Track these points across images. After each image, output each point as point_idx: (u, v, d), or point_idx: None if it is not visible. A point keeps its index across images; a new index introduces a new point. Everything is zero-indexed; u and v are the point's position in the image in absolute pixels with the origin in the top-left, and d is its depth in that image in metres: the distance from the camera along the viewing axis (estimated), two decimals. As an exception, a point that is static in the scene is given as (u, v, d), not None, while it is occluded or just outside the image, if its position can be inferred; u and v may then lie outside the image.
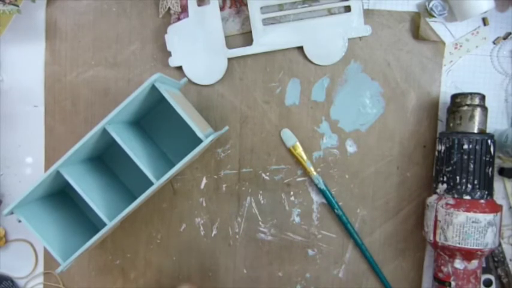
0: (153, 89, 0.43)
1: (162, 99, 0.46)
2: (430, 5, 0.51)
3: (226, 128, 0.52)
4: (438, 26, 0.53)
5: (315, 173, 0.53)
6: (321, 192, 0.53)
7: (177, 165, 0.43)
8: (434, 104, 0.54)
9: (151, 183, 0.43)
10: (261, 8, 0.51)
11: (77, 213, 0.52)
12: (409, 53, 0.53)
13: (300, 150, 0.53)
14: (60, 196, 0.51)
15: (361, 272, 0.55)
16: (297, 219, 0.55)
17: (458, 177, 0.48)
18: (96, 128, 0.42)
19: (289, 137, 0.53)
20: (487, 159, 0.47)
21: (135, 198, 0.44)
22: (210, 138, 0.43)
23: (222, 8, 0.52)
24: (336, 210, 0.53)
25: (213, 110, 0.54)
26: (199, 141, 0.43)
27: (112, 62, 0.54)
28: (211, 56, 0.52)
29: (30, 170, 0.55)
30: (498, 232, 0.47)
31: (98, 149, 0.50)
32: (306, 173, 0.53)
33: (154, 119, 0.53)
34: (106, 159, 0.53)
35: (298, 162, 0.53)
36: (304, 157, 0.53)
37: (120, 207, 0.44)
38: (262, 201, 0.54)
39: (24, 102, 0.54)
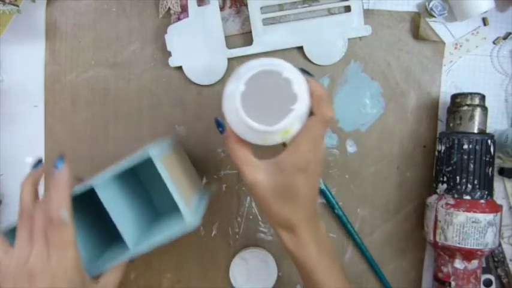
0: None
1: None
2: (430, 5, 0.51)
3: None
4: (438, 26, 0.53)
5: None
6: (321, 192, 0.53)
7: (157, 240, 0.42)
8: (434, 104, 0.54)
9: (177, 210, 0.42)
10: (261, 8, 0.51)
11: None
12: (409, 53, 0.53)
13: None
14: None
15: (361, 272, 0.55)
16: (297, 219, 0.55)
17: (458, 177, 0.48)
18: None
19: None
20: (487, 159, 0.47)
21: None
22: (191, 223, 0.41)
23: (222, 8, 0.52)
24: (336, 210, 0.53)
25: (213, 110, 0.54)
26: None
27: (112, 62, 0.54)
28: (211, 56, 0.52)
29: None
30: (498, 232, 0.47)
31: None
32: None
33: (147, 165, 0.48)
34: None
35: None
36: None
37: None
38: (262, 201, 0.54)
39: (24, 102, 0.54)
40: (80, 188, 0.41)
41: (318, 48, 0.52)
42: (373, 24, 0.52)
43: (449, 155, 0.48)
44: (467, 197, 0.47)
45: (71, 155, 0.54)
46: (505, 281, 0.54)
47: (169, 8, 0.51)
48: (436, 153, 0.51)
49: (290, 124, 0.35)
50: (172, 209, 0.45)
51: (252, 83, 0.35)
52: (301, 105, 0.35)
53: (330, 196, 0.53)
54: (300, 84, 0.36)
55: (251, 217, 0.54)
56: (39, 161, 0.41)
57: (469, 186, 0.47)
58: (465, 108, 0.48)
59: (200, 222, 0.42)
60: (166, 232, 0.42)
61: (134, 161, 0.41)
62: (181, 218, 0.41)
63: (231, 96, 0.36)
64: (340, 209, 0.53)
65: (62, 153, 0.39)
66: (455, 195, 0.48)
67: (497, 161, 0.53)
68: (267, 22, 0.52)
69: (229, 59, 0.52)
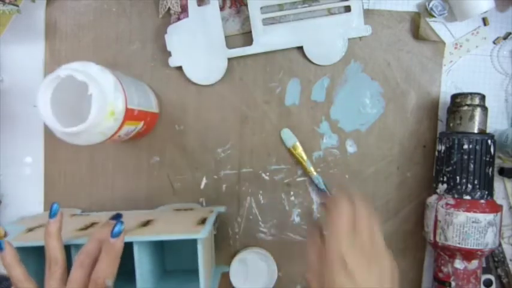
0: None
1: None
2: (430, 5, 0.51)
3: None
4: (438, 26, 0.53)
5: (315, 173, 0.53)
6: (320, 192, 0.53)
7: None
8: (434, 104, 0.54)
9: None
10: (261, 8, 0.51)
11: None
12: (409, 53, 0.53)
13: (299, 150, 0.53)
14: None
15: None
16: (297, 219, 0.55)
17: (458, 177, 0.48)
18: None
19: (289, 136, 0.53)
20: (487, 159, 0.47)
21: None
22: None
23: (222, 8, 0.52)
24: None
25: (213, 110, 0.54)
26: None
27: (112, 62, 0.54)
28: (211, 56, 0.52)
29: (30, 170, 0.55)
30: (498, 232, 0.47)
31: None
32: (305, 172, 0.53)
33: None
34: None
35: (298, 162, 0.53)
36: (304, 157, 0.53)
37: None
38: (262, 201, 0.54)
39: (24, 102, 0.54)
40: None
41: (318, 48, 0.52)
42: (373, 24, 0.52)
43: (449, 155, 0.48)
44: (467, 197, 0.47)
45: (71, 156, 0.54)
46: (505, 281, 0.54)
47: (169, 8, 0.51)
48: (436, 153, 0.51)
49: (101, 106, 0.37)
50: (185, 272, 0.48)
51: (57, 101, 0.38)
52: (96, 87, 0.37)
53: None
54: (85, 72, 0.37)
55: (251, 217, 0.54)
56: (54, 207, 0.40)
57: (469, 186, 0.47)
58: (465, 108, 0.48)
59: None
60: None
61: (185, 237, 0.40)
62: None
63: (51, 124, 0.38)
64: None
65: (122, 220, 0.39)
66: (455, 195, 0.48)
67: (497, 161, 0.53)
68: (267, 22, 0.52)
69: (229, 59, 0.52)
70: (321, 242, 0.37)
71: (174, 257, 0.52)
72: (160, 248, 0.51)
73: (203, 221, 0.44)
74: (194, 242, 0.41)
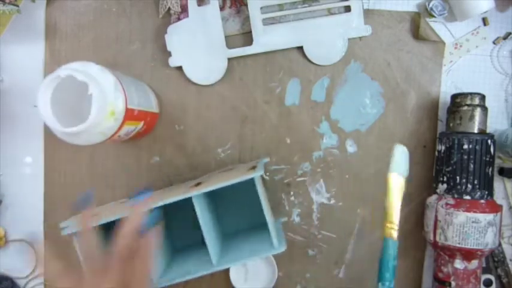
0: None
1: None
2: (430, 5, 0.51)
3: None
4: (438, 26, 0.53)
5: (395, 235, 0.40)
6: (384, 259, 0.42)
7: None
8: (434, 104, 0.54)
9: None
10: (261, 8, 0.51)
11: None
12: (409, 53, 0.53)
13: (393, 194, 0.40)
14: None
15: (361, 272, 0.55)
16: (297, 219, 0.55)
17: (458, 177, 0.48)
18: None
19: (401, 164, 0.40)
20: (487, 159, 0.47)
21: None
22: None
23: (222, 8, 0.52)
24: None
25: (213, 110, 0.54)
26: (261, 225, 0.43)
27: (112, 62, 0.54)
28: (211, 56, 0.52)
29: (30, 170, 0.55)
30: (498, 232, 0.47)
31: None
32: (384, 224, 0.40)
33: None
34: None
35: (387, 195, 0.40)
36: (393, 205, 0.39)
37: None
38: (262, 201, 0.54)
39: (24, 102, 0.54)
40: (174, 199, 0.43)
41: (318, 48, 0.52)
42: (373, 24, 0.52)
43: (449, 155, 0.48)
44: (467, 197, 0.47)
45: (71, 156, 0.54)
46: (505, 281, 0.54)
47: (169, 8, 0.51)
48: (436, 153, 0.51)
49: (100, 106, 0.37)
50: (245, 231, 0.49)
51: (57, 101, 0.38)
52: (96, 87, 0.37)
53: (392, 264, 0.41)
54: (85, 72, 0.38)
55: (251, 217, 0.55)
56: (88, 197, 0.40)
57: (469, 186, 0.47)
58: (465, 108, 0.48)
59: (285, 247, 0.46)
60: (253, 252, 0.45)
61: (242, 179, 0.42)
62: (265, 240, 0.44)
63: (51, 124, 0.38)
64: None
65: (162, 221, 0.39)
66: (455, 195, 0.48)
67: (497, 161, 0.53)
68: (267, 22, 0.52)
69: (229, 59, 0.52)
70: None
71: (230, 221, 0.53)
72: (215, 213, 0.52)
73: (253, 168, 0.45)
74: (249, 199, 0.42)
